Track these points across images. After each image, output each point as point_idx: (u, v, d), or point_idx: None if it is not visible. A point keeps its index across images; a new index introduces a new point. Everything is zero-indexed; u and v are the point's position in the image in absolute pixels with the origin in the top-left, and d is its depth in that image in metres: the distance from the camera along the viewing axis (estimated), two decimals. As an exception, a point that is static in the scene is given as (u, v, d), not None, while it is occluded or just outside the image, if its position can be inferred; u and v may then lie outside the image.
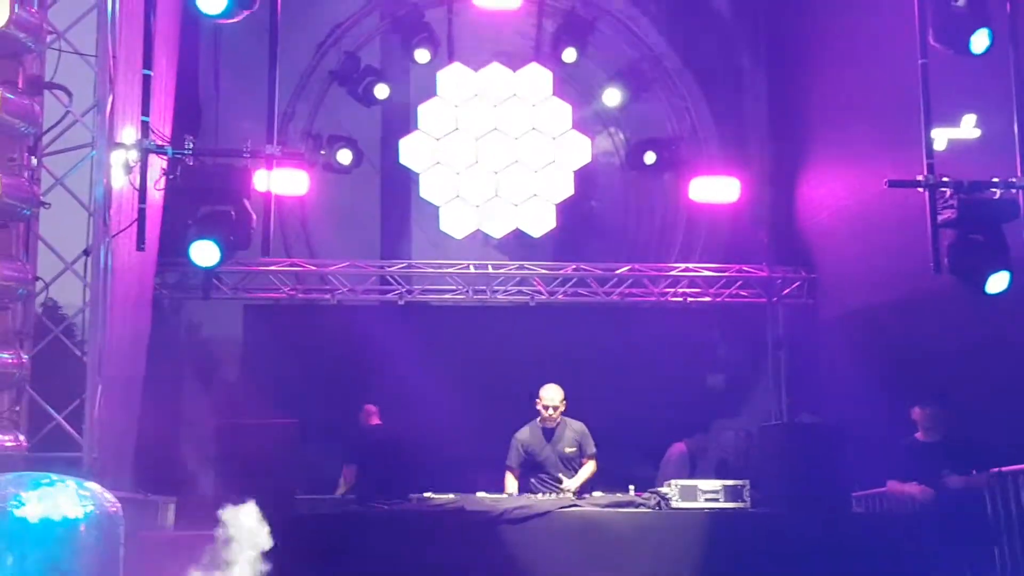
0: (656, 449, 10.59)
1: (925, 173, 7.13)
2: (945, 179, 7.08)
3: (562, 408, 8.21)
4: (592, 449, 8.20)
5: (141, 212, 6.21)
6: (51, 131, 6.02)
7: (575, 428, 8.25)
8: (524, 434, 8.28)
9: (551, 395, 8.21)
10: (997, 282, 7.00)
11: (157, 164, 6.63)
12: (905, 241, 8.52)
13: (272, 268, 10.91)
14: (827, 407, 10.51)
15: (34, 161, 5.79)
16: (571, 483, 7.91)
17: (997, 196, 7.10)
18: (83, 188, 6.13)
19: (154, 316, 9.91)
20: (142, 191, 6.21)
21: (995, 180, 7.12)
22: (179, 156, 6.40)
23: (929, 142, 7.24)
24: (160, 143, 6.35)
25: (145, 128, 6.24)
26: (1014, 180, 7.09)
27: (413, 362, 10.41)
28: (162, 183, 6.39)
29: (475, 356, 10.90)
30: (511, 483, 8.24)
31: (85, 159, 5.85)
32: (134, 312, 7.89)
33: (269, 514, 7.27)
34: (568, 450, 8.15)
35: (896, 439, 8.91)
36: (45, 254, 6.04)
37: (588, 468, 8.16)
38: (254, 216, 6.52)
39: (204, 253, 6.32)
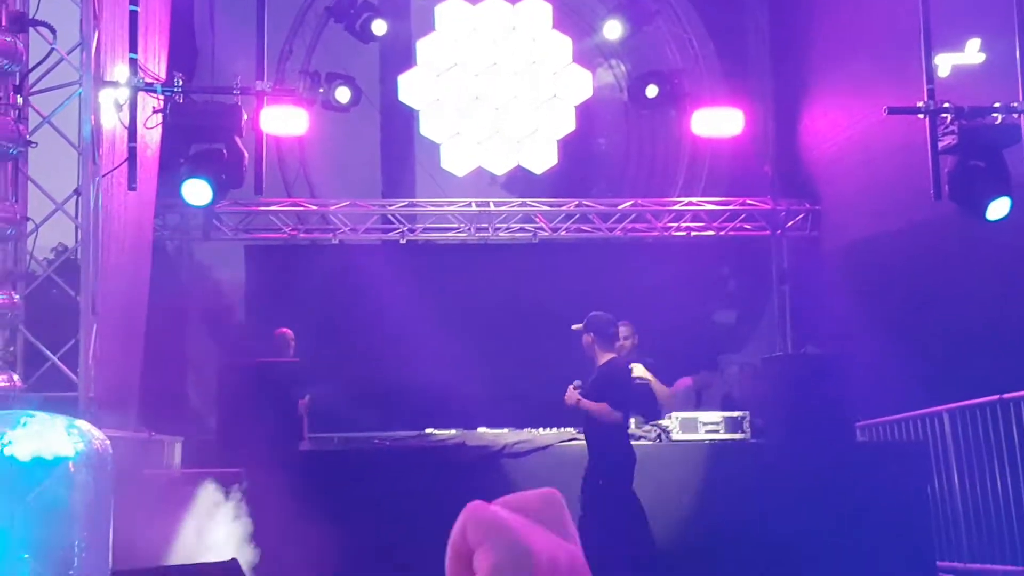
0: (663, 383, 10.59)
1: (925, 99, 7.03)
2: (946, 105, 6.98)
3: (626, 344, 8.17)
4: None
5: (131, 151, 6.16)
6: (37, 69, 5.95)
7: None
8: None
9: (627, 328, 8.27)
10: (997, 208, 6.94)
11: (150, 104, 6.59)
12: (907, 170, 8.43)
13: (273, 208, 10.88)
14: (831, 339, 10.49)
15: (19, 100, 5.74)
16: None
17: (998, 121, 7.00)
18: (72, 128, 6.09)
19: (156, 258, 9.91)
20: (131, 130, 6.17)
21: (996, 105, 7.02)
22: (169, 94, 6.34)
23: (930, 67, 7.13)
24: (149, 81, 6.28)
25: (133, 65, 6.18)
26: (1015, 105, 6.99)
27: (415, 300, 10.40)
28: (152, 122, 6.34)
29: (477, 294, 10.89)
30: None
31: (72, 97, 5.80)
32: (132, 254, 7.88)
33: (272, 452, 7.36)
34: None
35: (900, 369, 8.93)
36: (37, 196, 6.01)
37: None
38: (246, 154, 6.48)
39: (196, 192, 6.29)
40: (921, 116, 7.00)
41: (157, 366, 9.26)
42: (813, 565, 7.04)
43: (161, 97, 6.47)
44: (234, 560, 4.88)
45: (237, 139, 6.41)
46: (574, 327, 7.20)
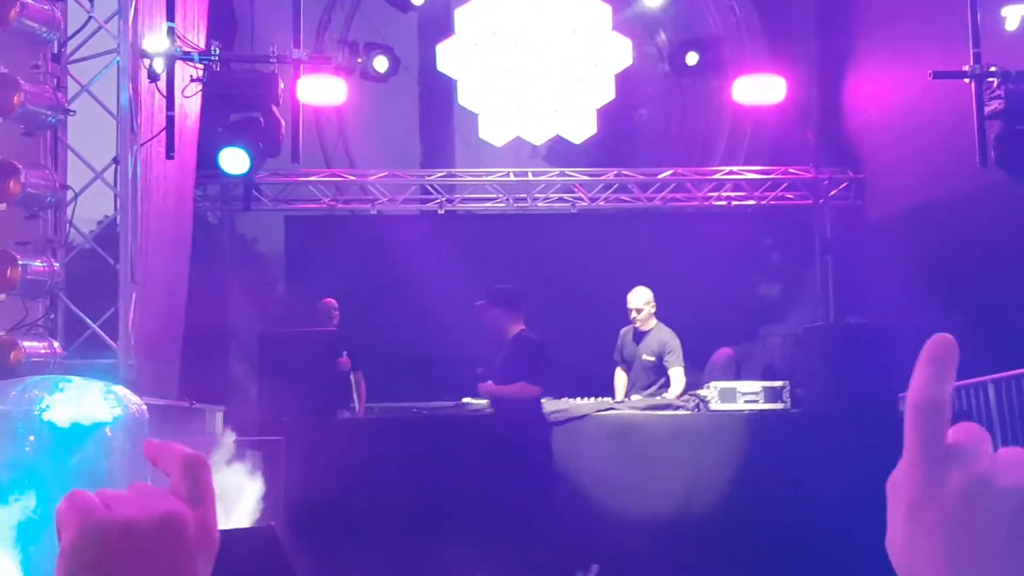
0: (702, 355, 10.50)
1: (971, 63, 6.88)
2: (992, 69, 6.83)
3: (647, 310, 8.08)
4: (674, 362, 7.92)
5: (169, 119, 6.19)
6: (76, 38, 5.99)
7: (661, 337, 8.04)
8: (625, 329, 8.24)
9: (632, 297, 8.14)
10: (1046, 175, 6.79)
11: (188, 73, 6.61)
12: (954, 137, 8.28)
13: (312, 179, 10.89)
14: (875, 310, 10.36)
15: (58, 68, 5.78)
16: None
17: (1047, 86, 6.84)
18: (112, 97, 6.12)
19: (197, 228, 9.99)
20: (169, 98, 6.19)
21: (1046, 68, 6.85)
22: (206, 63, 6.35)
23: (976, 30, 6.97)
24: (187, 50, 6.30)
25: (171, 34, 6.20)
26: (1065, 68, 6.82)
27: (454, 271, 10.39)
28: (190, 91, 6.36)
29: (516, 264, 10.83)
30: (618, 378, 8.22)
31: (109, 66, 5.83)
32: (174, 223, 7.94)
33: (310, 420, 7.42)
34: (646, 357, 8.01)
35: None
36: (77, 165, 6.06)
37: (674, 384, 7.91)
38: (283, 123, 6.49)
39: (234, 160, 6.32)
40: (967, 81, 6.85)
41: (200, 336, 9.35)
42: (851, 537, 6.97)
43: (199, 66, 6.48)
44: (271, 526, 4.92)
45: (274, 108, 6.41)
46: (477, 303, 7.16)
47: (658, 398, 7.68)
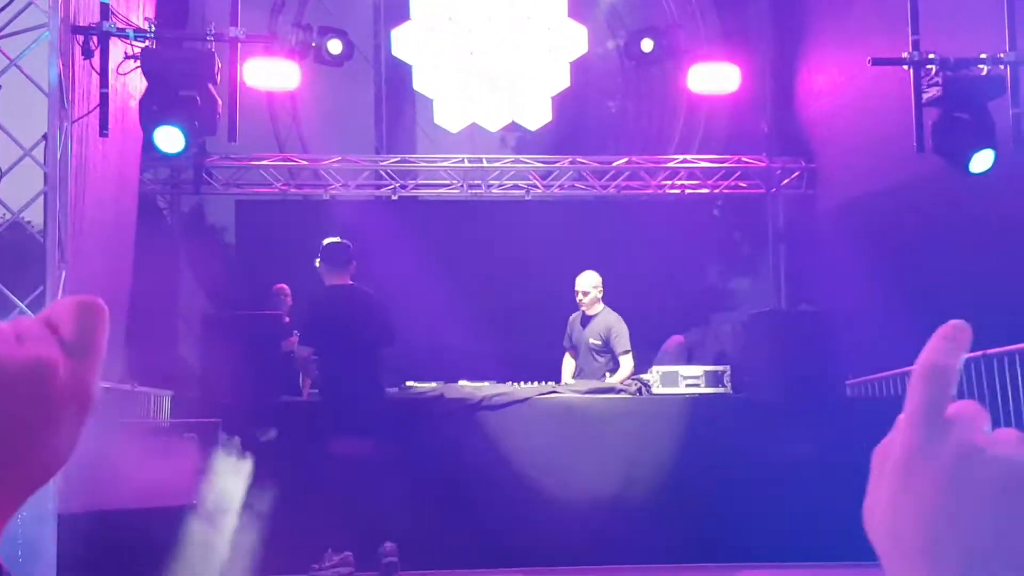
0: (654, 342, 10.55)
1: (910, 50, 6.92)
2: (931, 56, 6.87)
3: (594, 294, 8.09)
4: (621, 345, 7.94)
5: (103, 96, 6.13)
6: (6, 11, 5.92)
7: (607, 320, 8.07)
8: (573, 316, 8.25)
9: (580, 280, 8.15)
10: (981, 161, 6.84)
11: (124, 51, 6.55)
12: (900, 125, 8.32)
13: (264, 163, 10.83)
14: (827, 297, 10.43)
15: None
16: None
17: (984, 73, 6.89)
18: (44, 73, 6.05)
19: (146, 212, 9.91)
20: (103, 75, 6.13)
21: (982, 56, 6.90)
22: (141, 40, 6.29)
23: (916, 17, 7.00)
24: (121, 27, 6.24)
25: (104, 10, 6.14)
26: (1002, 56, 6.86)
27: (408, 256, 10.38)
28: (124, 68, 6.30)
29: (470, 250, 10.85)
30: (566, 363, 8.23)
31: (39, 41, 5.77)
32: (115, 204, 7.88)
33: (251, 404, 7.39)
34: (592, 340, 8.03)
35: (895, 326, 8.86)
36: (6, 143, 5.99)
37: (620, 370, 7.88)
38: (220, 101, 6.44)
39: (168, 139, 6.26)
40: (905, 68, 6.89)
41: (148, 320, 9.29)
42: (790, 519, 7.03)
43: (136, 44, 6.43)
44: (194, 503, 4.89)
45: (211, 86, 6.36)
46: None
47: (601, 382, 7.69)
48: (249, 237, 11.07)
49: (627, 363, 7.91)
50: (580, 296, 8.08)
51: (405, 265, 10.33)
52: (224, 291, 10.92)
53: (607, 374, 7.90)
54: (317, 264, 6.99)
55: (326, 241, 6.98)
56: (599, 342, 8.02)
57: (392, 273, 10.42)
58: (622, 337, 7.97)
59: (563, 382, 7.99)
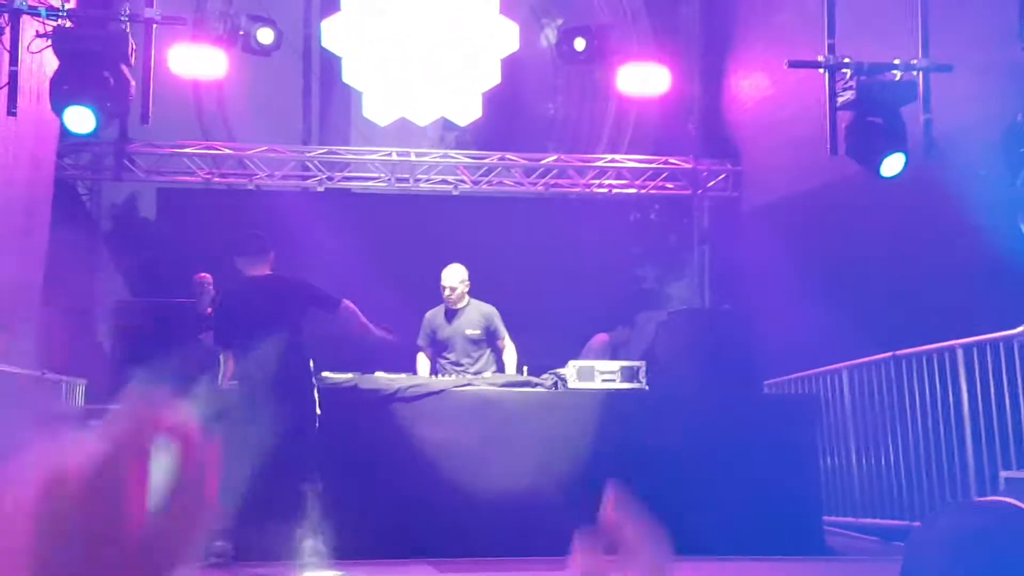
0: (579, 340, 10.61)
1: (825, 54, 7.03)
2: (845, 60, 6.99)
3: (462, 289, 8.15)
4: (503, 332, 8.11)
5: (12, 75, 6.02)
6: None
7: (482, 310, 8.17)
8: (431, 313, 8.26)
9: (448, 275, 8.16)
10: (892, 164, 6.97)
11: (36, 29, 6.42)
12: (819, 129, 8.46)
13: (187, 151, 10.70)
14: (750, 298, 10.57)
15: None
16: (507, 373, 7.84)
17: (897, 78, 7.02)
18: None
19: (65, 197, 9.74)
20: (13, 53, 6.02)
21: (896, 62, 7.03)
22: (54, 19, 6.19)
23: (832, 21, 7.12)
24: (32, 5, 6.13)
25: (15, -13, 6.03)
26: (914, 62, 7.00)
27: (333, 249, 10.32)
28: (36, 46, 6.19)
29: (397, 244, 10.82)
30: (421, 362, 8.24)
31: (-58, 15, 5.65)
32: (26, 187, 7.73)
33: (165, 396, 7.28)
34: (469, 331, 8.09)
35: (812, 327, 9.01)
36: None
37: (510, 355, 8.05)
38: (133, 83, 6.34)
39: (79, 119, 6.16)
40: (821, 71, 7.00)
41: (65, 306, 9.14)
42: (698, 514, 7.09)
43: (49, 23, 6.31)
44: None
45: (124, 67, 6.26)
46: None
47: (517, 375, 7.72)
48: (171, 225, 10.92)
49: (511, 345, 8.05)
50: (448, 291, 8.10)
51: (330, 256, 10.26)
52: (144, 280, 10.78)
53: (487, 362, 8.00)
54: (237, 262, 6.89)
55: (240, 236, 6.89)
56: (478, 331, 8.09)
57: (317, 264, 10.34)
58: (502, 323, 8.11)
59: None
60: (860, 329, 8.58)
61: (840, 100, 6.95)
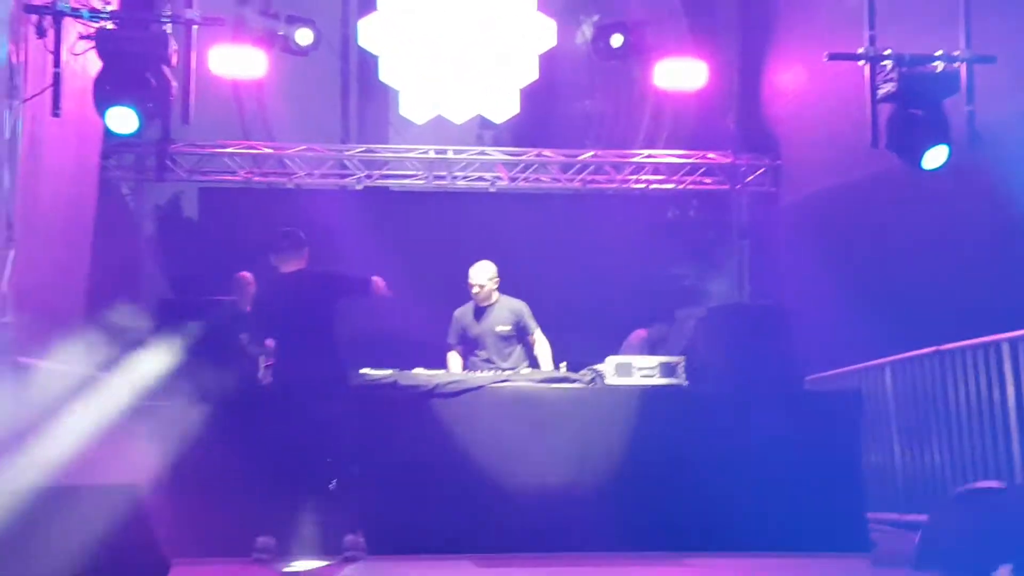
0: (617, 337, 10.59)
1: (866, 45, 6.97)
2: (886, 52, 6.92)
3: (490, 286, 8.18)
4: (533, 327, 8.18)
5: (55, 77, 6.12)
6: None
7: (511, 307, 8.22)
8: (459, 311, 8.31)
9: (476, 272, 8.21)
10: (934, 157, 6.90)
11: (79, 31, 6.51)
12: (860, 122, 8.39)
13: (228, 151, 10.80)
14: (789, 294, 10.49)
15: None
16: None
17: (939, 70, 6.94)
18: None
19: (110, 197, 9.87)
20: (56, 55, 6.11)
21: (938, 54, 6.96)
22: (96, 20, 6.27)
23: (872, 12, 7.06)
24: (75, 7, 6.22)
25: (58, -10, 6.12)
26: (956, 54, 6.92)
27: (370, 246, 10.36)
28: (78, 48, 6.27)
29: (434, 241, 10.86)
30: (453, 360, 8.28)
31: (-13, 19, 5.75)
32: (73, 186, 7.85)
33: (207, 391, 7.37)
34: (500, 328, 8.13)
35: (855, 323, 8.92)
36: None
37: (542, 349, 8.09)
38: (174, 83, 6.42)
39: (121, 120, 6.24)
40: (861, 63, 6.94)
41: (110, 305, 9.23)
42: (740, 510, 7.07)
43: (91, 24, 6.40)
44: (134, 484, 4.88)
45: (165, 68, 6.34)
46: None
47: (555, 371, 7.73)
48: (213, 225, 11.03)
49: (544, 338, 8.08)
50: (476, 289, 8.14)
51: (368, 254, 10.30)
52: (187, 278, 10.88)
53: (519, 358, 8.03)
54: (272, 259, 6.99)
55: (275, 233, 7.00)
56: (508, 327, 8.14)
57: (355, 261, 10.40)
58: (532, 317, 8.13)
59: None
60: (903, 324, 8.49)
61: (881, 92, 6.89)
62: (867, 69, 6.93)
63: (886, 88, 6.88)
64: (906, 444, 8.22)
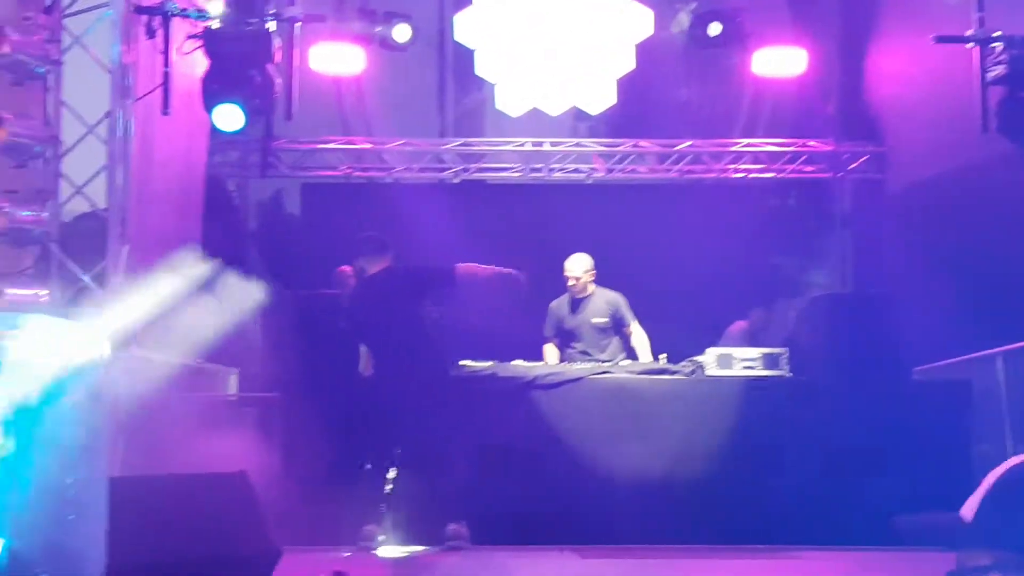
0: (717, 328, 10.48)
1: (975, 27, 6.77)
2: (996, 34, 6.71)
3: (586, 279, 8.18)
4: (630, 318, 8.17)
5: (165, 76, 6.29)
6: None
7: (608, 298, 8.21)
8: (555, 303, 8.32)
9: (571, 265, 8.22)
10: (1047, 140, 6.67)
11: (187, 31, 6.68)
12: (968, 106, 8.15)
13: (329, 146, 10.98)
14: (894, 283, 10.25)
15: (50, 20, 5.90)
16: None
17: (1052, 50, 6.70)
18: (108, 52, 6.22)
19: (215, 193, 10.10)
20: (165, 55, 6.29)
21: (1051, 34, 6.72)
22: (203, 19, 6.43)
23: (980, -9, 6.84)
24: (182, 7, 6.39)
25: (166, -10, 6.29)
26: (1071, 33, 6.67)
27: (468, 240, 10.42)
28: (187, 47, 6.44)
29: (532, 234, 10.87)
30: (550, 353, 8.30)
31: (101, 19, 5.93)
32: (181, 183, 8.06)
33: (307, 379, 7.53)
34: (596, 320, 8.13)
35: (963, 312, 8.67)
36: (71, 120, 6.19)
37: (640, 340, 8.09)
38: (278, 81, 6.55)
39: (228, 117, 6.40)
40: (969, 46, 6.74)
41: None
42: (846, 504, 6.96)
43: (199, 24, 6.56)
44: (243, 472, 5.00)
45: (269, 66, 6.47)
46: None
47: (654, 362, 7.70)
48: (314, 220, 11.24)
49: (641, 330, 8.06)
50: (572, 281, 8.14)
51: (466, 248, 10.37)
52: (290, 272, 11.10)
53: (616, 349, 8.00)
54: (360, 264, 7.14)
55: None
56: (605, 319, 8.14)
57: (453, 256, 10.49)
58: (629, 308, 8.08)
59: None
60: (1015, 313, 8.23)
61: (991, 75, 6.69)
62: (976, 52, 6.70)
63: (996, 71, 6.66)
64: (1019, 435, 7.96)
